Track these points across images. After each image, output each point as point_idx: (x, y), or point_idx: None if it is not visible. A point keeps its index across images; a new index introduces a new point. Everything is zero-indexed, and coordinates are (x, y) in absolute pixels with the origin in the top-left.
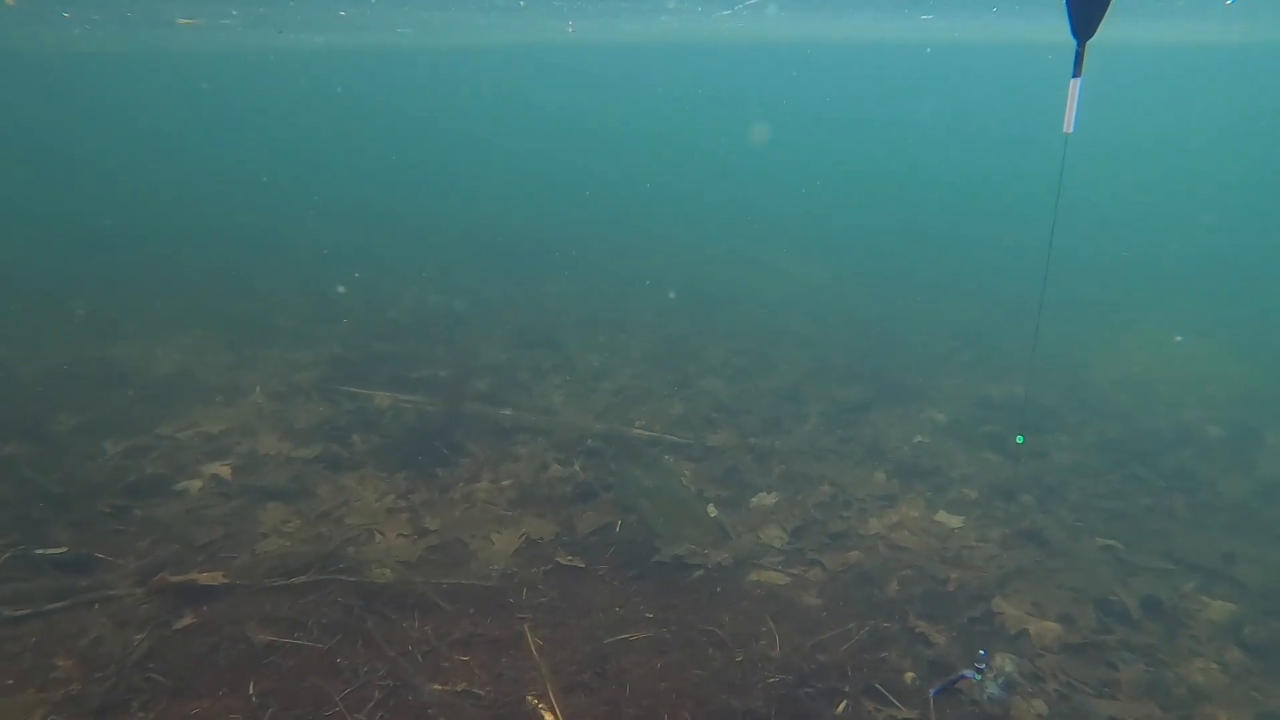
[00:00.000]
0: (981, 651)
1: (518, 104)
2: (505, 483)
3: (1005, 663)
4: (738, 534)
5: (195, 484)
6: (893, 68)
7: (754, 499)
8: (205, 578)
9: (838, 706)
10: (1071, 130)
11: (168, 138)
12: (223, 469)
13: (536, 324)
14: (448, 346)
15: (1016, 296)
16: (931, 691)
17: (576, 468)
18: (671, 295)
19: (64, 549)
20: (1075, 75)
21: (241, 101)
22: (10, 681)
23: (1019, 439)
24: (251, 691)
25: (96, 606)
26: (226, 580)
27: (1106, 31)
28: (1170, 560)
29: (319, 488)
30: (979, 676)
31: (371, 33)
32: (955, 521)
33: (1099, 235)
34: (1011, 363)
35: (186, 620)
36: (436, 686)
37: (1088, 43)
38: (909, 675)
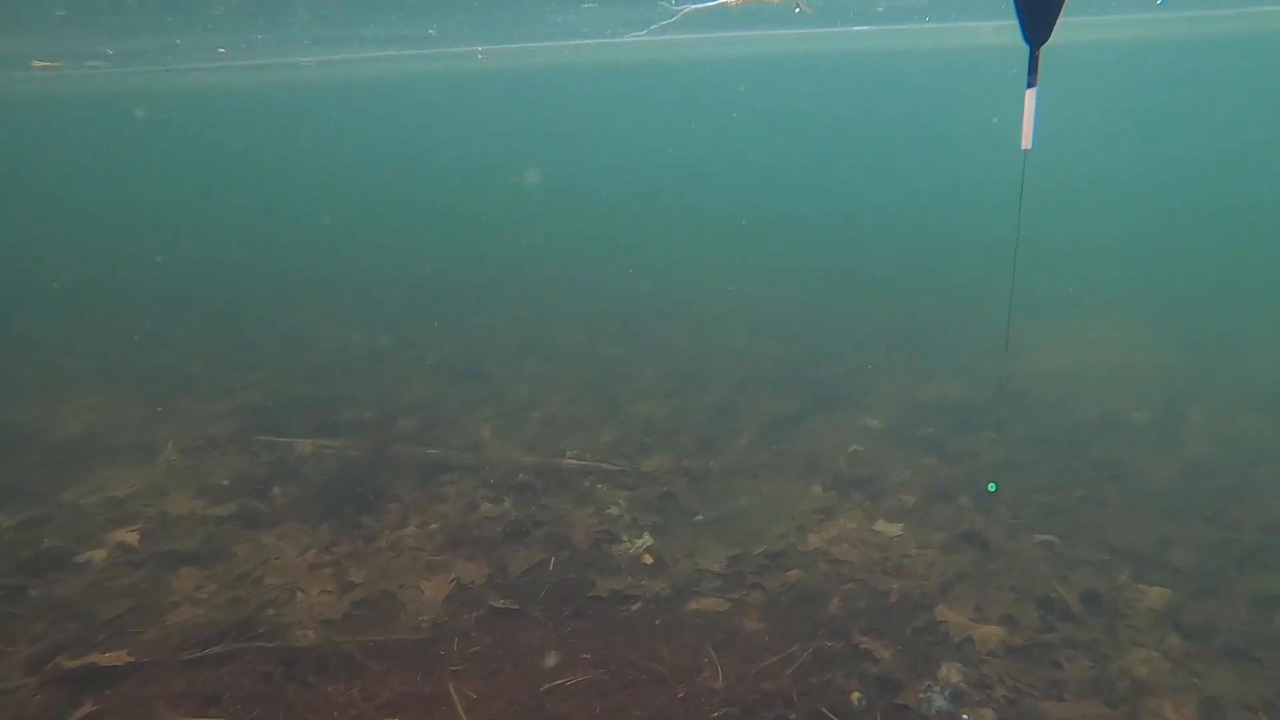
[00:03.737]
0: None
1: (435, 134)
2: (433, 526)
3: (951, 673)
4: (675, 561)
5: (99, 554)
6: (820, 73)
7: (690, 523)
8: (107, 658)
9: None
10: (1030, 146)
11: (72, 183)
12: (130, 535)
13: (463, 357)
14: (372, 386)
15: (945, 295)
16: None
17: (507, 505)
18: (600, 317)
19: None
20: (1030, 85)
21: (140, 145)
22: None
23: (991, 487)
24: None
25: None
26: (132, 659)
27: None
28: (1107, 550)
29: (236, 547)
30: None
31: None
32: (894, 530)
33: (1010, 229)
34: (943, 362)
35: (86, 708)
36: None
37: (1042, 48)
38: (855, 695)
